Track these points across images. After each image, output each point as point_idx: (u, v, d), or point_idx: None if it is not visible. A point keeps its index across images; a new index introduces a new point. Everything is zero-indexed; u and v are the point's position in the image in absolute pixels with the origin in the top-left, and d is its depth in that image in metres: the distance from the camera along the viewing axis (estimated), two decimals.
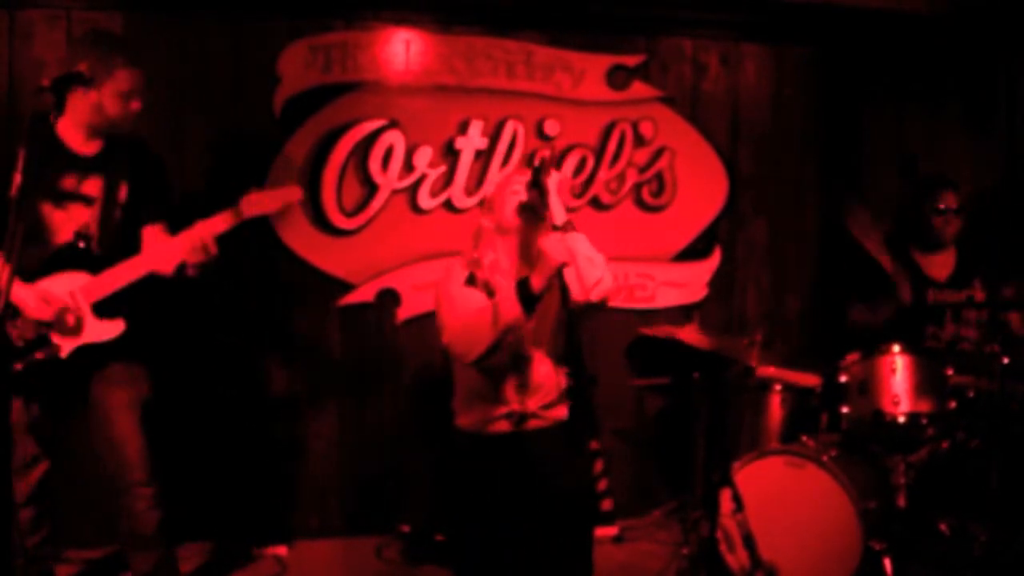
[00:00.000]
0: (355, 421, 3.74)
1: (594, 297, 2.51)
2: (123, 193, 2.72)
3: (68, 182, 2.64)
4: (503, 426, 2.55)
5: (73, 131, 2.65)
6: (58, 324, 2.60)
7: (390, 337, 3.72)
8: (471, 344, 2.44)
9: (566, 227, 2.47)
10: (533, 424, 2.57)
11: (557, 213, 2.47)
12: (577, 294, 2.45)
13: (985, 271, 3.66)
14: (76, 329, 2.62)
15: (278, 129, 3.57)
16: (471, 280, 2.56)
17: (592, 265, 2.53)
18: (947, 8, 4.07)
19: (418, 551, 3.50)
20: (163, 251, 2.65)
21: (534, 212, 2.49)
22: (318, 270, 3.65)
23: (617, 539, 3.70)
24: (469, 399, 2.61)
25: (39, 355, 2.59)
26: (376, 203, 3.68)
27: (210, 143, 3.55)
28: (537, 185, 2.46)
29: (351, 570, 3.44)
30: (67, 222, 2.64)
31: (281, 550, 3.52)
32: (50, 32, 3.38)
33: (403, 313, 3.71)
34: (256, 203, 2.70)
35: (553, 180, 2.54)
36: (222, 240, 2.66)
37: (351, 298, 3.69)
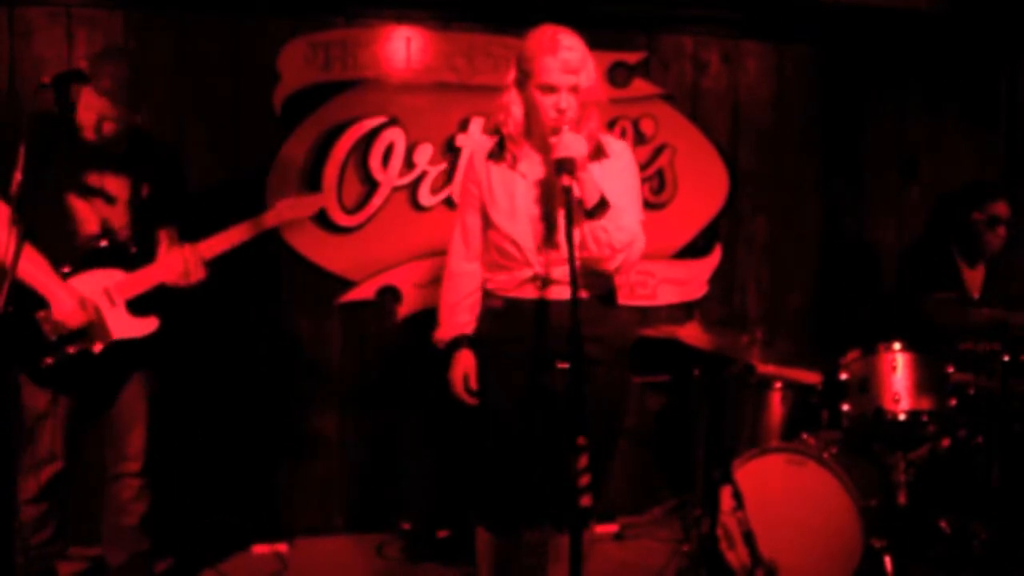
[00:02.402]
0: (356, 418, 3.74)
1: (610, 265, 2.35)
2: (145, 193, 2.74)
3: (93, 178, 2.65)
4: (528, 290, 2.42)
5: (88, 127, 2.62)
6: (87, 332, 2.62)
7: (391, 334, 3.72)
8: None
9: (600, 206, 2.28)
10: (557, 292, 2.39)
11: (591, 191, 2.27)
12: (593, 249, 2.30)
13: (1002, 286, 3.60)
14: (103, 335, 2.65)
15: (278, 127, 3.57)
16: (499, 153, 2.44)
17: (620, 227, 2.31)
18: (947, 6, 4.07)
19: (419, 549, 3.50)
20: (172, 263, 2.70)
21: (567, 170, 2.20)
22: (319, 267, 3.65)
23: (618, 536, 3.70)
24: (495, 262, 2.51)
25: (71, 350, 2.60)
26: (377, 200, 3.68)
27: (210, 141, 3.54)
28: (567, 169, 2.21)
29: (352, 568, 3.43)
30: (92, 214, 2.65)
31: (282, 547, 3.52)
32: (50, 29, 3.37)
33: (404, 310, 3.71)
34: (284, 210, 2.81)
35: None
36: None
37: (352, 295, 3.69)
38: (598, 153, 2.39)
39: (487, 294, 2.53)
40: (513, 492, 2.47)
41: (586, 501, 2.24)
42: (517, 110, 2.39)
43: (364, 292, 3.70)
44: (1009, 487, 3.08)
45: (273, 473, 3.67)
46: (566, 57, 2.31)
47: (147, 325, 2.72)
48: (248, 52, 3.55)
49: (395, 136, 3.67)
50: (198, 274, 2.69)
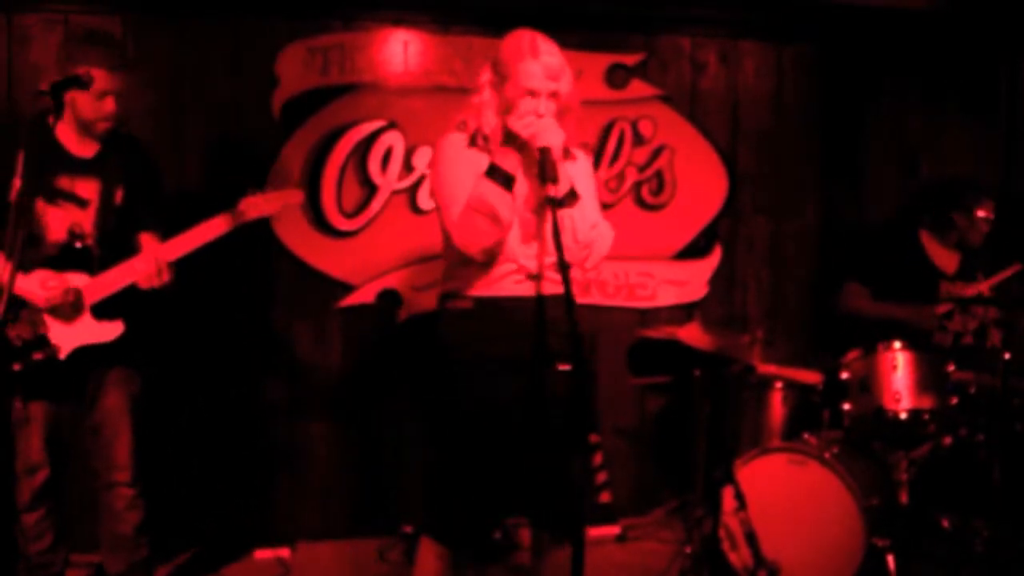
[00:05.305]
0: (357, 422, 3.73)
1: (588, 264, 2.40)
2: (119, 197, 2.71)
3: (63, 182, 2.63)
4: (507, 285, 2.37)
5: (68, 133, 2.65)
6: (59, 308, 2.58)
7: (391, 338, 3.72)
8: (472, 239, 2.29)
9: (569, 198, 2.28)
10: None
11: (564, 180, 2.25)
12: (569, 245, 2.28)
13: (986, 265, 3.69)
14: (75, 310, 2.59)
15: (277, 131, 3.57)
16: (477, 143, 2.37)
17: (586, 221, 2.33)
18: (946, 5, 4.07)
19: None
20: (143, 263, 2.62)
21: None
22: (318, 271, 3.65)
23: (620, 538, 3.70)
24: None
25: (37, 356, 2.58)
26: (376, 204, 3.68)
27: (209, 145, 3.55)
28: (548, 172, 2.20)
29: (354, 572, 3.43)
30: (60, 220, 2.63)
31: (284, 552, 3.52)
32: (48, 36, 3.37)
33: (404, 313, 3.71)
34: (254, 206, 2.70)
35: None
36: (222, 242, 2.65)
37: (352, 299, 3.69)
38: (567, 154, 2.37)
39: (449, 295, 2.44)
40: (487, 505, 2.37)
41: (605, 497, 2.24)
42: (493, 112, 2.36)
43: (364, 296, 3.70)
44: (1010, 485, 3.08)
45: (275, 478, 3.67)
46: (547, 62, 2.31)
47: (112, 330, 2.66)
48: (247, 56, 3.55)
49: (394, 140, 3.67)
50: (165, 275, 2.60)
